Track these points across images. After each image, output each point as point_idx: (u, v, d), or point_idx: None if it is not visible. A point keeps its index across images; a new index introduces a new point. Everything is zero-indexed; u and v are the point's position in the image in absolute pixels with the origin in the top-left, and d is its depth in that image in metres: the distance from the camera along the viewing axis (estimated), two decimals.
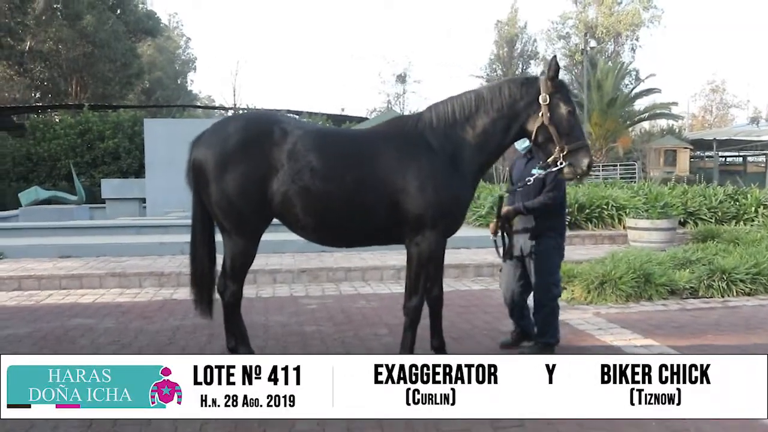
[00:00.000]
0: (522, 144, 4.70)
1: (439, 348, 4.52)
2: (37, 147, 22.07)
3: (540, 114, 4.04)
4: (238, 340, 4.39)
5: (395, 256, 8.98)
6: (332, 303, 7.01)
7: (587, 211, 11.57)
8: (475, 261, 8.85)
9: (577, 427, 3.52)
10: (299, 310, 6.62)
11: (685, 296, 7.09)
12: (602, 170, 32.11)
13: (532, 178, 4.54)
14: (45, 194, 15.51)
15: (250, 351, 4.35)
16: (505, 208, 4.72)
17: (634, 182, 20.04)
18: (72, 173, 17.59)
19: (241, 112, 26.83)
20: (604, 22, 51.51)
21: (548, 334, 4.71)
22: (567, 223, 11.21)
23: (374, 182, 3.97)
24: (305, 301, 7.14)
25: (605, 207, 11.64)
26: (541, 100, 4.04)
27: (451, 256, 9.16)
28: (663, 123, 47.30)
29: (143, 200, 15.43)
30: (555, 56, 4.20)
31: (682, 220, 11.65)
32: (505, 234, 4.75)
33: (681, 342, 5.26)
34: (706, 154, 43.43)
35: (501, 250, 4.79)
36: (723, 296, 7.11)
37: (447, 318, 6.02)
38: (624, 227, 11.06)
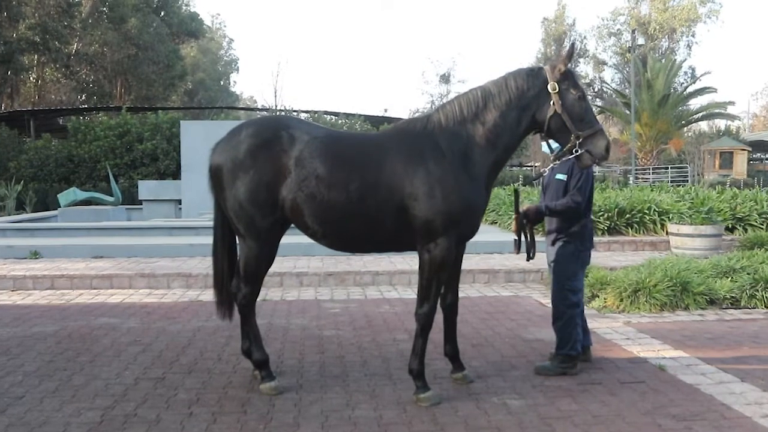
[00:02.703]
0: (547, 148, 4.62)
1: (452, 355, 4.52)
2: (78, 149, 22.86)
3: (551, 102, 4.05)
4: (251, 343, 4.47)
5: None
6: (355, 307, 7.06)
7: (628, 215, 11.31)
8: (506, 266, 8.77)
9: None
10: (321, 314, 6.70)
11: (725, 306, 6.89)
12: (652, 173, 31.39)
13: (546, 169, 4.66)
14: (83, 195, 16.04)
15: (263, 354, 4.42)
16: (525, 206, 4.68)
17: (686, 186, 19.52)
18: (109, 175, 18.13)
19: (280, 113, 27.24)
20: (658, 18, 50.43)
21: (568, 345, 4.62)
22: (608, 228, 11.10)
23: (381, 188, 3.99)
24: (329, 305, 7.21)
25: (647, 212, 11.36)
26: (550, 89, 4.05)
27: (481, 261, 9.18)
28: (721, 124, 46.00)
29: (179, 202, 15.80)
30: (573, 42, 4.26)
31: (729, 226, 11.28)
32: (526, 233, 4.64)
33: (712, 354, 5.12)
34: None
35: (518, 249, 4.70)
36: (767, 307, 6.87)
37: (470, 324, 6.09)
38: (667, 233, 10.79)
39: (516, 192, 4.79)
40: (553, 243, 4.73)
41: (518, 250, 4.62)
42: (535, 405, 4.02)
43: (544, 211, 4.62)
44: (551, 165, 4.63)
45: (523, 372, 4.68)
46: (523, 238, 4.61)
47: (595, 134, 4.05)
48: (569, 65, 4.14)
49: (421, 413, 3.90)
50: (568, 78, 4.09)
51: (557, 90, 4.04)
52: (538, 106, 4.10)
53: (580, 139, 4.04)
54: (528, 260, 4.65)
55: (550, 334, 4.87)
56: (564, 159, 4.24)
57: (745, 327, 6.11)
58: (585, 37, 54.54)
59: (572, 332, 4.64)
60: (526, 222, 4.62)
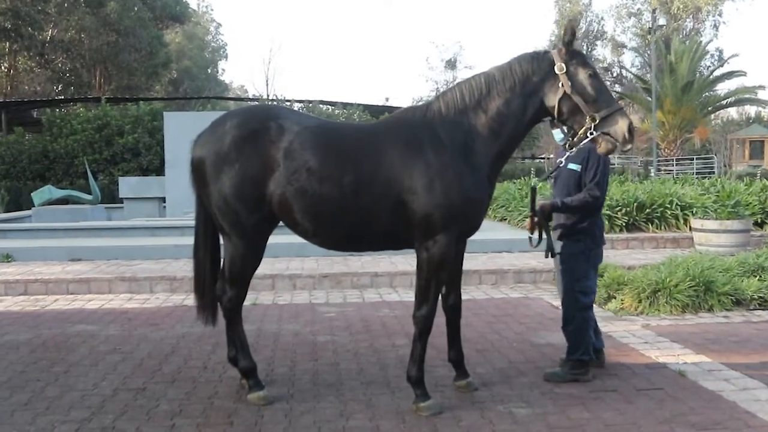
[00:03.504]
0: (559, 135, 4.60)
1: (457, 361, 4.54)
2: (53, 143, 22.90)
3: (560, 85, 4.03)
4: (238, 350, 4.49)
5: None
6: (352, 311, 7.09)
7: (648, 210, 11.32)
8: (516, 266, 8.80)
9: None
10: (315, 319, 6.73)
11: (753, 307, 6.90)
12: (676, 165, 31.37)
13: (561, 159, 4.61)
14: (59, 193, 16.08)
15: (250, 361, 4.45)
16: (540, 202, 4.67)
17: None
18: (87, 171, 18.14)
19: (271, 103, 27.27)
20: None
21: (580, 350, 4.64)
22: (626, 224, 11.09)
23: (376, 182, 4.01)
24: (324, 308, 7.24)
25: (668, 206, 11.37)
26: (557, 70, 4.04)
27: (489, 261, 9.21)
28: (752, 110, 45.94)
29: (163, 200, 15.82)
30: (572, 20, 4.21)
31: (758, 221, 11.32)
32: (542, 230, 4.63)
33: (736, 358, 5.14)
34: None
35: (536, 245, 4.71)
36: None
37: (476, 328, 6.12)
38: (690, 229, 10.80)
39: (533, 189, 4.72)
40: (561, 238, 4.75)
41: (535, 246, 4.65)
42: (544, 414, 4.04)
43: (560, 206, 4.62)
44: (566, 153, 4.53)
45: (532, 379, 4.71)
46: (544, 235, 4.62)
47: (613, 114, 3.99)
48: (574, 42, 4.13)
49: (421, 423, 3.92)
50: (576, 56, 4.08)
51: (565, 70, 4.03)
52: (545, 91, 4.10)
53: (597, 121, 3.98)
54: (552, 257, 4.67)
55: (561, 339, 4.89)
56: (580, 145, 4.14)
57: None
58: (602, 18, 54.53)
59: (584, 336, 4.66)
60: (542, 219, 4.63)
